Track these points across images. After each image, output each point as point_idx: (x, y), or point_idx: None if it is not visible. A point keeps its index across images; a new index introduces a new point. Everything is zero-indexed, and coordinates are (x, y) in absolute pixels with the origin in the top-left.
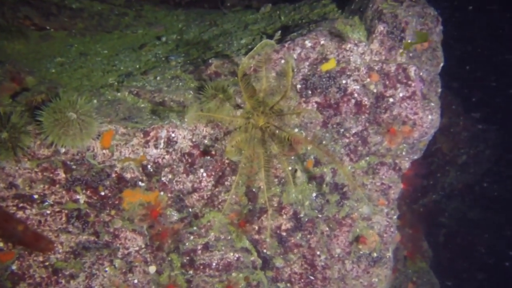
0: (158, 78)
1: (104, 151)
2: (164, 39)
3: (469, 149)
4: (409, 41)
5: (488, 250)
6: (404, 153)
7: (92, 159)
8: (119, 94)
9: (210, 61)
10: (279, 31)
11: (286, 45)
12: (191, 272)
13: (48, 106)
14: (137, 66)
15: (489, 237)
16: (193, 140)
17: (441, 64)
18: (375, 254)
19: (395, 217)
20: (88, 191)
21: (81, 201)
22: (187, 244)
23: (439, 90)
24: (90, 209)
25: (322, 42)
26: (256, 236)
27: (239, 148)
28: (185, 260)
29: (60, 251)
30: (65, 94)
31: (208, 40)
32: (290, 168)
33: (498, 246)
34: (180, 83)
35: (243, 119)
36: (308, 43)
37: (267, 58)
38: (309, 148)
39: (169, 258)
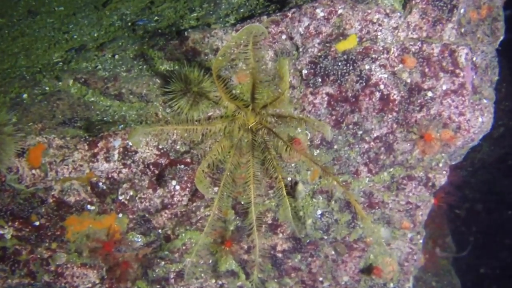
0: (116, 56)
1: (33, 171)
2: None
3: (508, 120)
4: (462, 11)
5: None
6: (440, 164)
7: (16, 183)
8: (60, 83)
9: (186, 33)
10: None
11: (289, 14)
12: None
13: None
14: (95, 35)
15: None
16: (160, 147)
17: (500, 38)
18: (391, 285)
19: (420, 241)
20: (16, 223)
21: (7, 236)
22: (157, 270)
23: (496, 78)
24: (21, 244)
25: (339, 11)
26: (245, 256)
27: (220, 160)
28: None
29: None
30: None
31: None
32: (289, 178)
33: None
34: (145, 66)
35: (225, 121)
36: (320, 12)
37: (257, 40)
38: (315, 152)
39: (136, 287)
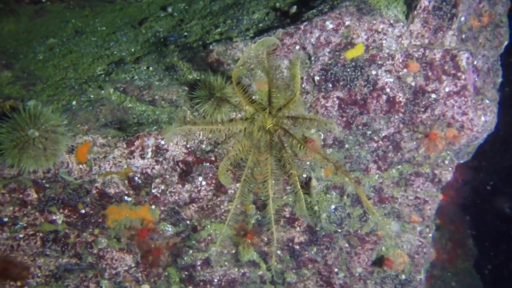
0: (151, 68)
1: (80, 166)
2: (170, 9)
3: None
4: (462, 19)
5: None
6: (446, 162)
7: (67, 175)
8: (103, 91)
9: (211, 46)
10: (294, 6)
11: (302, 27)
12: (190, 287)
13: (8, 121)
14: (132, 50)
15: None
16: (188, 146)
17: (505, 44)
18: (403, 276)
19: (430, 235)
20: (66, 210)
21: (59, 222)
22: (185, 258)
23: (499, 80)
24: (70, 229)
25: (347, 22)
26: (265, 248)
27: (240, 158)
28: (184, 275)
29: (39, 275)
30: (42, 94)
31: (217, 12)
32: (304, 175)
33: None
34: (175, 75)
35: (245, 122)
36: (329, 25)
37: (272, 50)
38: (328, 151)
39: (166, 273)
